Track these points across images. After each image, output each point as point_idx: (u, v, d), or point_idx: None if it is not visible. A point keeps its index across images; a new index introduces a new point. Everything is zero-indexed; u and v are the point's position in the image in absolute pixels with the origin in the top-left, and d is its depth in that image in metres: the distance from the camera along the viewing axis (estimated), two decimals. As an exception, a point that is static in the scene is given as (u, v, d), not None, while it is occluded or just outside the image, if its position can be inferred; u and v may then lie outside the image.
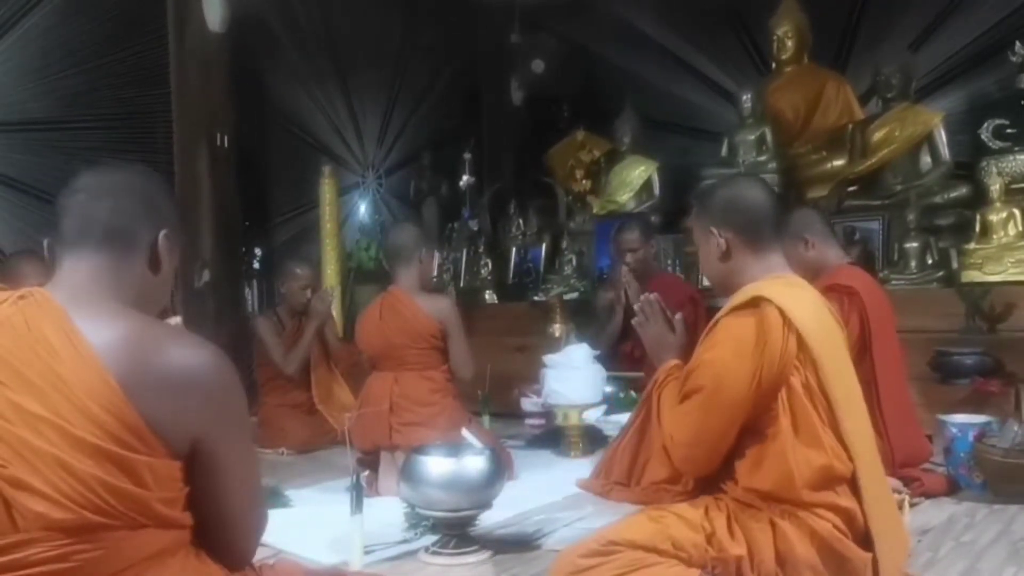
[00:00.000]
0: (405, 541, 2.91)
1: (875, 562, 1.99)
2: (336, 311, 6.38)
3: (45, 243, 1.46)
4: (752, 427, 2.04)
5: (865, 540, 2.00)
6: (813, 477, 1.99)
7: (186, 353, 1.31)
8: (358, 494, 2.67)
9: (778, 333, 2.00)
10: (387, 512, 3.10)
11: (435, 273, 4.04)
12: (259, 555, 1.56)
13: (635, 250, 4.98)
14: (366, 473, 3.64)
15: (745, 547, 1.99)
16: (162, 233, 1.45)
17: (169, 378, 1.28)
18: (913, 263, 5.61)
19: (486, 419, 4.60)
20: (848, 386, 2.10)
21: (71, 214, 1.41)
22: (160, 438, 1.27)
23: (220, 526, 1.41)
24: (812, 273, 3.58)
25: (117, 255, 1.39)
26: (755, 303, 2.05)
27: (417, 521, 2.95)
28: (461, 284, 7.07)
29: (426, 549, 2.82)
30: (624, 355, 5.06)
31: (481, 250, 7.18)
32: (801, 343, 2.01)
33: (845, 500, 2.00)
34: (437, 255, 4.14)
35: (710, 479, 2.16)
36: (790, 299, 2.06)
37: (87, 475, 1.21)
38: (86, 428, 1.22)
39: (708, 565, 1.99)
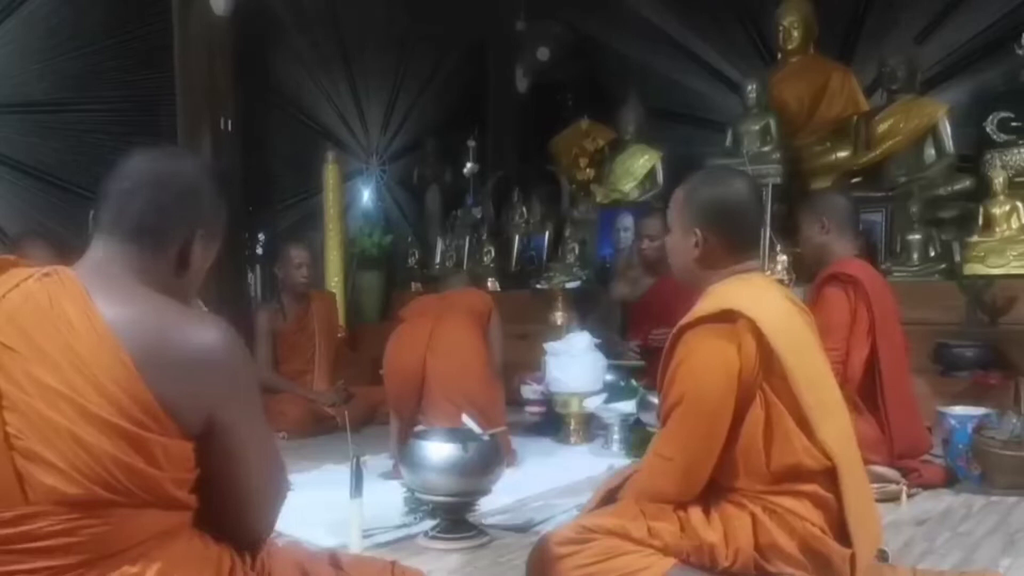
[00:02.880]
0: (404, 525, 2.93)
1: (853, 557, 1.99)
2: (339, 297, 6.40)
3: (91, 214, 1.46)
4: (729, 434, 2.02)
5: (843, 533, 1.99)
6: (781, 472, 1.99)
7: (198, 333, 1.33)
8: (357, 478, 2.68)
9: (750, 343, 1.98)
10: (386, 496, 3.12)
11: None
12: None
13: (653, 237, 5.01)
14: (365, 457, 3.65)
15: (720, 533, 1.98)
16: (197, 233, 1.46)
17: (181, 358, 1.30)
18: (915, 255, 5.60)
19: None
20: (821, 388, 2.07)
21: (110, 199, 1.42)
22: (172, 418, 1.28)
23: (235, 507, 1.42)
24: (819, 257, 3.60)
25: (145, 250, 1.41)
26: (725, 316, 2.00)
27: (416, 506, 2.97)
28: (464, 271, 7.07)
29: (425, 533, 2.84)
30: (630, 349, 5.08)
31: (484, 237, 7.18)
32: (772, 352, 1.98)
33: (821, 489, 1.99)
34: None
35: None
36: (759, 306, 2.02)
37: (100, 451, 1.23)
38: (100, 405, 1.24)
39: (683, 554, 1.99)
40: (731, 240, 2.13)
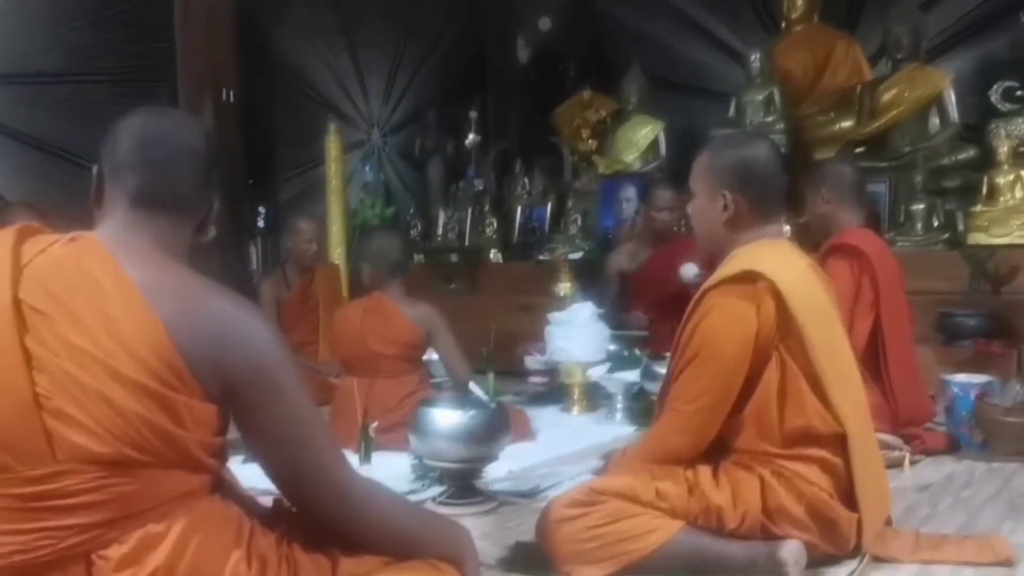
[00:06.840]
0: (412, 492, 2.95)
1: (859, 521, 2.02)
2: (342, 268, 6.40)
3: (94, 170, 1.45)
4: (741, 393, 2.05)
5: (850, 498, 2.02)
6: (793, 434, 2.01)
7: (225, 304, 1.36)
8: (366, 445, 2.71)
9: (769, 305, 2.01)
10: (395, 463, 3.14)
11: None
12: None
13: (672, 209, 4.97)
14: (375, 424, 3.67)
15: (729, 495, 2.01)
16: (216, 202, 1.49)
17: (209, 324, 1.32)
18: (919, 225, 5.60)
19: (490, 377, 4.62)
20: (837, 355, 2.10)
21: (142, 168, 1.39)
22: (199, 380, 1.30)
23: (287, 485, 1.42)
24: (823, 228, 3.59)
25: (174, 219, 1.42)
26: (747, 277, 2.04)
27: (424, 472, 3.00)
28: (466, 243, 7.07)
29: (433, 499, 2.86)
30: (635, 319, 5.09)
31: (486, 209, 7.16)
32: (791, 315, 2.01)
33: (830, 455, 2.01)
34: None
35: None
36: (781, 270, 2.06)
37: (129, 411, 1.25)
38: (130, 365, 1.26)
39: (691, 517, 2.02)
40: (758, 202, 2.15)
